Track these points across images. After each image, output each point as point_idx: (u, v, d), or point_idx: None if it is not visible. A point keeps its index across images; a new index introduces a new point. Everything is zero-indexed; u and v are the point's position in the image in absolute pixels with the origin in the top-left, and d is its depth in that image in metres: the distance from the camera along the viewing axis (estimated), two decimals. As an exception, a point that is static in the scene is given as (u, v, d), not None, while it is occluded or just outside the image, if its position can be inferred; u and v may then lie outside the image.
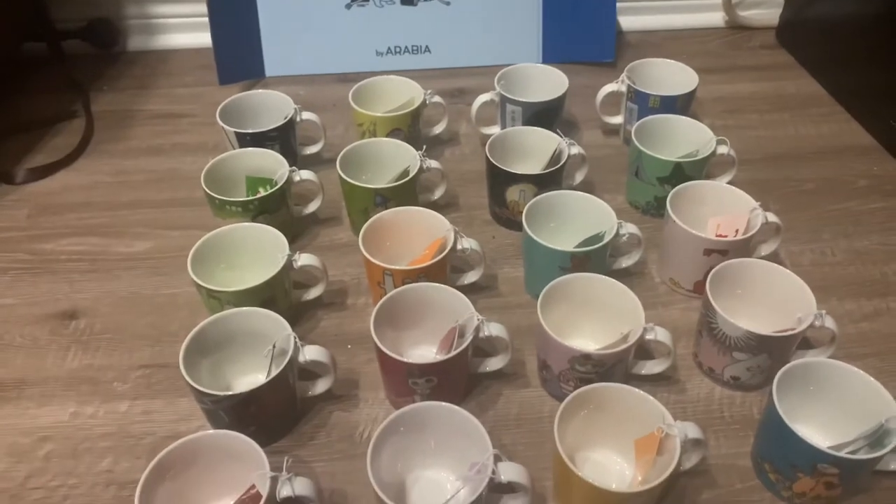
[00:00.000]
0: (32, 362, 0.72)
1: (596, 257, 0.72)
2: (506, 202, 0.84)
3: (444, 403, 0.57)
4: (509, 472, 0.53)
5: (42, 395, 0.69)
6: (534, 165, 0.86)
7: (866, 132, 1.02)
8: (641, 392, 0.58)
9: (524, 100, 0.92)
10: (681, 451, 0.54)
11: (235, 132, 0.88)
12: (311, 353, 0.63)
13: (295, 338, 0.62)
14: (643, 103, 0.94)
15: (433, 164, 0.83)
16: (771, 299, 0.67)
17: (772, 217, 0.74)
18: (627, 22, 1.25)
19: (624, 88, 0.95)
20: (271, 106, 0.92)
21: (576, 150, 0.83)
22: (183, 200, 0.91)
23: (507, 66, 0.97)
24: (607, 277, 0.68)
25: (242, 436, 0.55)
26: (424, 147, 0.84)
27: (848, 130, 1.03)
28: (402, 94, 0.95)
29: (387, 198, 0.80)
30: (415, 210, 0.76)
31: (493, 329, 0.64)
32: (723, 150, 0.84)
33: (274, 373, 0.60)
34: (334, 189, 0.84)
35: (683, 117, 0.88)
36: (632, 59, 0.98)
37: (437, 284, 0.68)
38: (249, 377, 0.66)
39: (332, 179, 0.83)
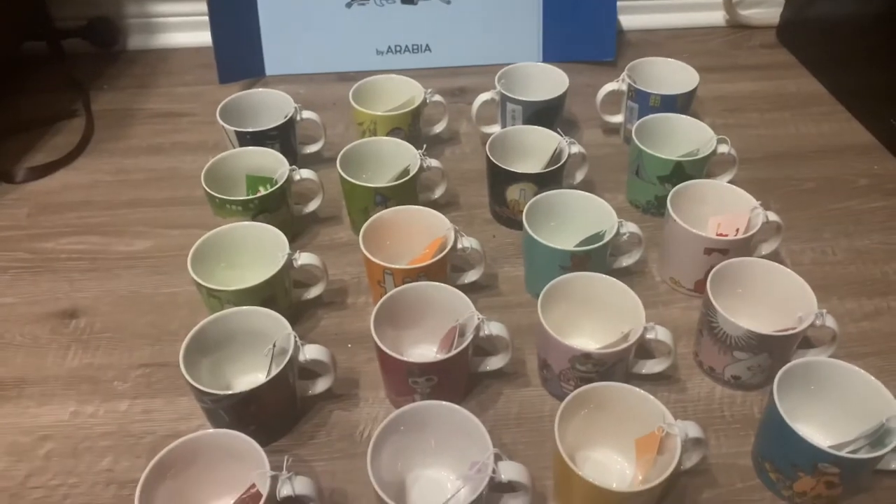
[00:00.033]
0: (33, 361, 0.72)
1: (596, 256, 0.72)
2: (506, 201, 0.84)
3: (444, 402, 0.57)
4: (510, 471, 0.53)
5: (42, 394, 0.69)
6: (534, 164, 0.86)
7: (867, 131, 1.02)
8: (642, 391, 0.58)
9: (524, 99, 0.92)
10: (681, 451, 0.54)
11: (235, 131, 0.88)
12: (312, 352, 0.63)
13: (295, 337, 0.62)
14: (644, 102, 0.94)
15: (433, 163, 0.83)
16: (772, 298, 0.67)
17: (772, 216, 0.74)
18: (628, 21, 1.25)
19: (624, 87, 0.95)
20: (271, 105, 0.92)
21: (576, 149, 0.83)
22: (183, 199, 0.91)
23: (507, 65, 0.97)
24: (608, 276, 0.67)
25: (242, 435, 0.55)
26: (425, 146, 0.84)
27: (848, 129, 1.03)
28: (403, 92, 0.95)
29: (387, 197, 0.80)
30: (415, 209, 0.76)
31: (494, 328, 0.64)
32: (723, 149, 0.84)
33: (274, 372, 0.60)
34: (334, 188, 0.84)
35: (684, 116, 0.88)
36: (632, 58, 0.98)
37: (438, 283, 0.68)
38: (249, 376, 0.66)
39: (333, 178, 0.83)
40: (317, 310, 0.77)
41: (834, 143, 1.00)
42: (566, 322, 0.67)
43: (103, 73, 1.16)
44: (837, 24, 1.09)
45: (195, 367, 0.61)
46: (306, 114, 0.91)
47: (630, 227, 0.73)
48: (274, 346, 0.62)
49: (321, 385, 0.66)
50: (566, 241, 0.74)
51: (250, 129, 0.88)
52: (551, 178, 0.81)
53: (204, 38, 1.09)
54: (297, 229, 0.86)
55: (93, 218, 0.89)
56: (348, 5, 1.11)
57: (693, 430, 0.56)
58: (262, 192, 0.80)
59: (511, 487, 0.56)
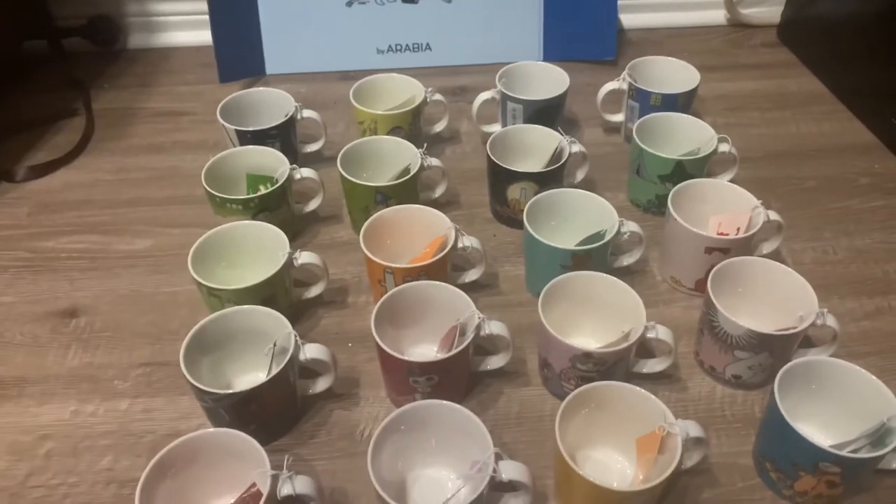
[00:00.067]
0: (33, 360, 0.72)
1: (597, 255, 0.72)
2: (507, 200, 0.84)
3: (444, 402, 0.57)
4: (510, 470, 0.53)
5: (42, 393, 0.69)
6: (535, 163, 0.86)
7: (868, 130, 1.02)
8: (643, 390, 0.58)
9: (525, 98, 0.92)
10: (682, 450, 0.54)
11: (236, 130, 0.88)
12: (312, 351, 0.63)
13: (295, 336, 0.62)
14: (644, 101, 0.93)
15: (434, 162, 0.83)
16: (772, 297, 0.67)
17: (773, 215, 0.74)
18: (628, 20, 1.25)
19: (625, 86, 0.95)
20: (272, 104, 0.92)
21: (577, 148, 0.83)
22: (183, 198, 0.91)
23: (508, 64, 0.97)
24: (608, 276, 0.67)
25: (243, 434, 0.55)
26: (425, 145, 0.84)
27: (849, 128, 1.03)
28: (403, 91, 0.95)
29: (387, 196, 0.80)
30: (415, 208, 0.76)
31: (494, 327, 0.64)
32: (724, 148, 0.84)
33: (274, 371, 0.60)
34: (335, 187, 0.84)
35: (685, 115, 0.88)
36: (633, 57, 0.98)
37: (438, 283, 0.68)
38: (250, 375, 0.66)
39: (333, 177, 0.83)
40: (317, 309, 0.77)
41: (835, 143, 1.00)
42: (567, 321, 0.67)
43: (104, 71, 1.16)
44: (838, 22, 1.09)
45: (196, 367, 0.61)
46: (307, 113, 0.91)
47: (631, 227, 0.73)
48: (274, 345, 0.62)
49: (322, 384, 0.66)
50: (567, 240, 0.74)
51: (251, 128, 0.88)
52: (552, 177, 0.81)
53: (204, 36, 1.09)
54: (298, 228, 0.86)
55: (93, 217, 0.89)
56: (349, 4, 1.11)
57: (694, 429, 0.56)
58: (263, 191, 0.80)
59: (512, 487, 0.56)
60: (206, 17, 1.05)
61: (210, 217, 0.80)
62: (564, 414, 0.56)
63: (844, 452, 0.54)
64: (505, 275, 0.81)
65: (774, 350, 0.64)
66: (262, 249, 0.73)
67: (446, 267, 0.72)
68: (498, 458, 0.53)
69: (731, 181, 0.80)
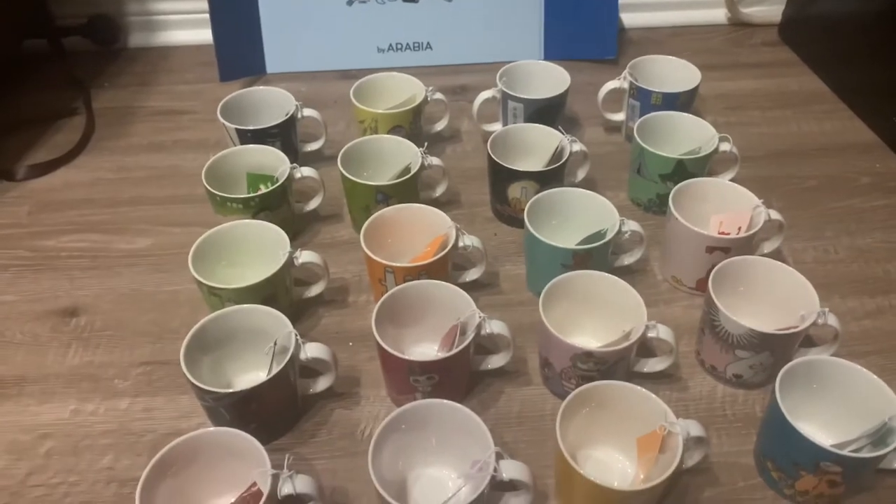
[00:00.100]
0: (33, 359, 0.72)
1: (598, 255, 0.72)
2: (507, 199, 0.84)
3: (445, 401, 0.57)
4: (511, 469, 0.53)
5: (43, 392, 0.69)
6: (535, 162, 0.86)
7: (869, 129, 1.01)
8: (643, 390, 0.58)
9: (526, 97, 0.92)
10: (683, 449, 0.54)
11: (236, 129, 0.88)
12: (313, 350, 0.63)
13: (296, 335, 0.62)
14: (645, 100, 0.93)
15: (434, 161, 0.83)
16: (773, 297, 0.67)
17: (774, 214, 0.74)
18: (629, 19, 1.25)
19: (626, 85, 0.95)
20: (272, 102, 0.92)
21: (578, 147, 0.83)
22: (184, 197, 0.91)
23: (508, 63, 0.97)
24: (609, 275, 0.67)
25: (243, 433, 0.55)
26: (426, 144, 0.84)
27: (851, 127, 1.03)
28: (404, 90, 0.95)
29: (388, 195, 0.79)
30: (416, 207, 0.76)
31: (495, 326, 0.64)
32: (725, 147, 0.84)
33: (275, 370, 0.60)
34: (335, 186, 0.84)
35: (686, 114, 0.88)
36: (634, 56, 0.98)
37: (439, 282, 0.68)
38: (250, 374, 0.66)
39: (334, 176, 0.83)
40: (318, 308, 0.77)
41: (836, 142, 1.00)
42: (568, 320, 0.66)
43: (104, 70, 1.16)
44: (839, 21, 1.09)
45: (196, 366, 0.61)
46: (307, 111, 0.91)
47: (631, 226, 0.73)
48: (275, 344, 0.62)
49: (322, 383, 0.66)
50: (568, 239, 0.74)
51: (251, 127, 0.88)
52: (553, 176, 0.81)
53: (205, 35, 1.09)
54: (298, 227, 0.86)
55: (94, 216, 0.89)
56: (349, 3, 1.11)
57: (695, 428, 0.56)
58: (263, 190, 0.80)
59: (512, 486, 0.56)
60: (207, 15, 1.05)
61: (210, 216, 0.80)
62: (565, 413, 0.56)
63: (846, 452, 0.54)
64: (506, 274, 0.80)
65: (775, 349, 0.64)
66: (262, 248, 0.73)
67: (447, 266, 0.72)
68: (499, 457, 0.53)
69: (732, 180, 0.80)
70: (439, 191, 0.88)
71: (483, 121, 0.97)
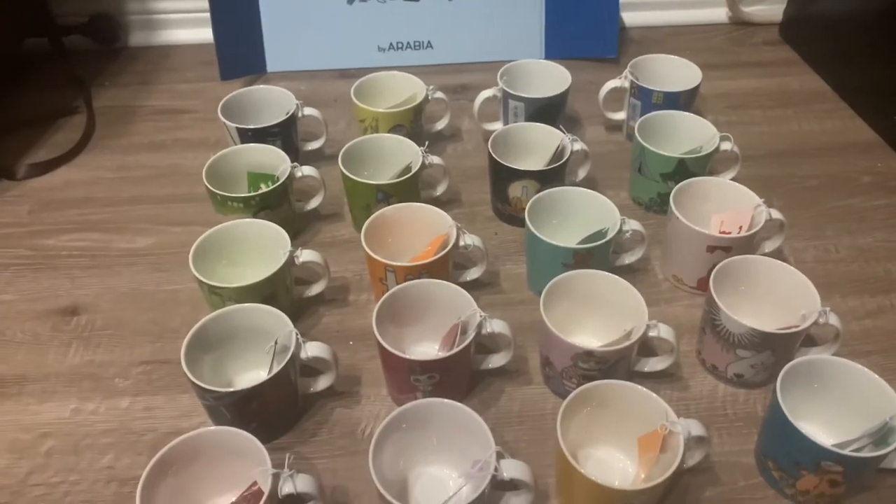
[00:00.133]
0: (33, 358, 0.72)
1: (599, 254, 0.71)
2: (508, 198, 0.84)
3: (446, 400, 0.57)
4: (512, 469, 0.53)
5: (43, 391, 0.69)
6: (536, 162, 0.86)
7: (870, 128, 1.01)
8: (644, 389, 0.58)
9: (527, 96, 0.92)
10: (684, 449, 0.54)
11: (237, 128, 0.87)
12: (313, 349, 0.63)
13: (297, 334, 0.62)
14: (646, 99, 0.93)
15: (435, 160, 0.83)
16: (774, 296, 0.67)
17: (775, 213, 0.74)
18: (630, 18, 1.24)
19: (627, 84, 0.95)
20: (273, 102, 0.92)
21: (578, 146, 0.83)
22: (184, 196, 0.91)
23: (509, 62, 0.97)
24: (610, 274, 0.67)
25: (244, 432, 0.55)
26: (426, 143, 0.84)
27: (851, 127, 1.02)
28: (405, 89, 0.94)
29: (389, 194, 0.79)
30: (417, 206, 0.76)
31: (496, 326, 0.64)
32: (726, 146, 0.84)
33: (275, 369, 0.60)
34: (336, 185, 0.84)
35: (687, 113, 0.88)
36: (635, 55, 0.98)
37: (440, 281, 0.68)
38: (251, 373, 0.66)
39: (334, 175, 0.82)
40: (318, 307, 0.77)
41: (837, 141, 1.00)
42: (568, 320, 0.66)
43: (105, 69, 1.16)
44: (841, 20, 1.09)
45: (197, 365, 0.61)
46: (308, 110, 0.91)
47: (632, 225, 0.73)
48: (275, 343, 0.62)
49: (323, 382, 0.66)
50: (568, 238, 0.74)
51: (252, 126, 0.87)
52: (554, 175, 0.81)
53: (205, 34, 1.09)
54: (299, 226, 0.86)
55: (94, 215, 0.89)
56: (350, 2, 1.11)
57: (696, 428, 0.55)
58: (264, 189, 0.79)
59: (513, 485, 0.56)
60: (207, 14, 1.05)
61: (211, 215, 0.80)
62: (566, 412, 0.56)
63: (847, 451, 0.54)
64: (506, 273, 0.80)
65: (776, 349, 0.64)
66: (263, 247, 0.73)
67: (448, 265, 0.72)
68: (499, 456, 0.53)
69: (733, 179, 0.80)
70: (440, 190, 0.87)
71: (484, 120, 0.97)
